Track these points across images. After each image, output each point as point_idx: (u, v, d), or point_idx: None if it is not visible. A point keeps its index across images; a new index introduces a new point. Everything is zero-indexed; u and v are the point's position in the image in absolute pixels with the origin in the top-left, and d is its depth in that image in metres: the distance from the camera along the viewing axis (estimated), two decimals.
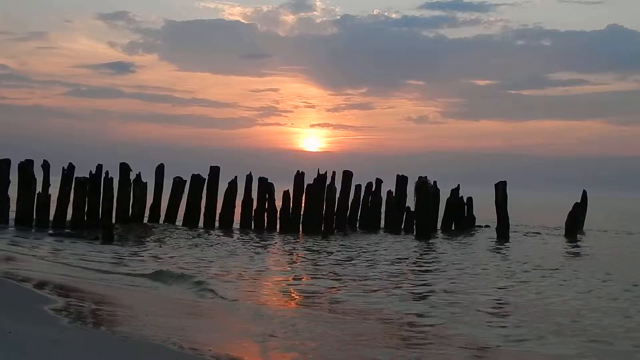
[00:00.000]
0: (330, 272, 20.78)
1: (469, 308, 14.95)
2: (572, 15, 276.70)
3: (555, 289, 18.34)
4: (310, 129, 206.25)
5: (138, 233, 32.17)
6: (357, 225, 39.98)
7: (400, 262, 24.22)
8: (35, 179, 34.04)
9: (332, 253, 26.70)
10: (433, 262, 24.67)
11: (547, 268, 23.11)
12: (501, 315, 14.46)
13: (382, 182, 41.01)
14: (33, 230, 32.24)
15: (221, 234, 33.87)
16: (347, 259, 24.55)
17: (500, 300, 16.52)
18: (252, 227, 37.41)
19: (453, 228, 40.17)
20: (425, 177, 37.14)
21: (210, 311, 14.10)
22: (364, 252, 27.45)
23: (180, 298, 15.66)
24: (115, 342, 9.56)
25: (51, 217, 34.03)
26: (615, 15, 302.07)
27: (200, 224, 36.81)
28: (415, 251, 28.61)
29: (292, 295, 16.93)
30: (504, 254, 28.79)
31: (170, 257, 23.89)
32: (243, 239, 31.52)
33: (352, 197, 40.30)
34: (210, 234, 33.36)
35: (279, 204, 39.01)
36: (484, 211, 41.73)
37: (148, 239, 29.94)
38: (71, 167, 34.75)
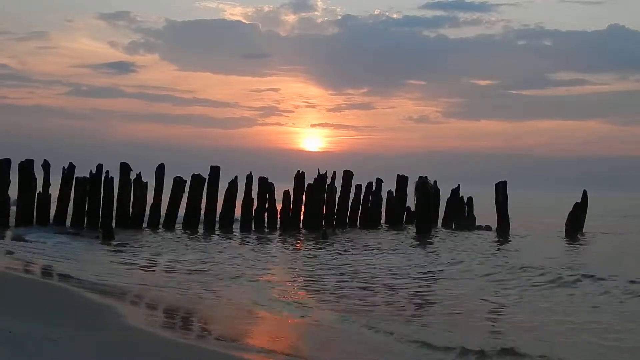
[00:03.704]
0: None
1: None
2: (573, 15, 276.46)
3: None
4: (311, 128, 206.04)
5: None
6: (358, 225, 39.99)
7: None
8: (36, 179, 34.04)
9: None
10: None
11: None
12: None
13: (383, 182, 41.02)
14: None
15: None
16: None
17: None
18: (253, 227, 37.44)
19: (453, 228, 40.12)
20: (426, 177, 37.18)
21: None
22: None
23: None
24: (117, 342, 9.57)
25: (51, 217, 34.04)
26: (617, 15, 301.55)
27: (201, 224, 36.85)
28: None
29: None
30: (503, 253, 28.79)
31: None
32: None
33: (353, 197, 40.33)
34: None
35: (279, 204, 39.08)
36: (484, 211, 41.72)
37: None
38: (71, 167, 34.75)
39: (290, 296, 16.57)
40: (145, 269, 21.12)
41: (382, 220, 41.05)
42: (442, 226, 39.98)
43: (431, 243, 31.86)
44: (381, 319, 13.28)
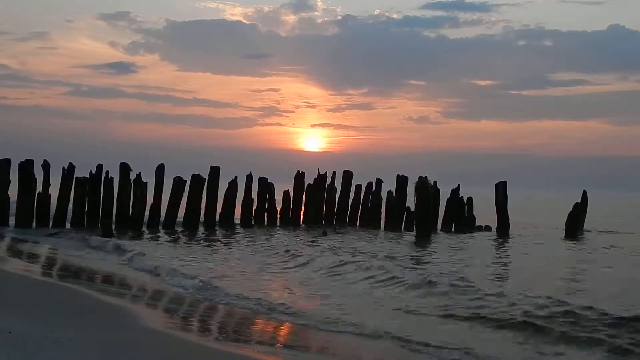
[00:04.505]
0: None
1: None
2: (573, 16, 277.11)
3: None
4: (311, 129, 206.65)
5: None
6: (357, 225, 39.98)
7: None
8: (36, 179, 34.04)
9: None
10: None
11: None
12: None
13: (382, 182, 41.00)
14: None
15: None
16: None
17: None
18: (253, 227, 37.46)
19: (453, 228, 40.06)
20: (425, 177, 37.14)
21: None
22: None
23: None
24: (119, 341, 9.57)
25: (51, 217, 34.05)
26: (617, 16, 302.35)
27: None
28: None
29: None
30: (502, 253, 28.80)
31: None
32: None
33: (352, 197, 40.32)
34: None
35: (279, 204, 39.12)
36: (484, 211, 41.69)
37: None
38: (71, 167, 34.75)
39: None
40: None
41: (382, 221, 41.01)
42: (442, 227, 39.88)
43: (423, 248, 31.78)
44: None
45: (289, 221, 38.83)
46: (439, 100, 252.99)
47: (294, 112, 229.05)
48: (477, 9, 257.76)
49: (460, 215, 40.69)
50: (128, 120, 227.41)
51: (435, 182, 38.56)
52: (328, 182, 39.53)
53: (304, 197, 39.42)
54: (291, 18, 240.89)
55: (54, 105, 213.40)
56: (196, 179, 36.89)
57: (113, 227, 32.40)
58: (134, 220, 34.80)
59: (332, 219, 39.49)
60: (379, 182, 40.92)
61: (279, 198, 39.39)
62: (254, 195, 39.06)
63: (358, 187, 40.46)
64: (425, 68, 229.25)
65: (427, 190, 36.35)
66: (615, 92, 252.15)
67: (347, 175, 39.92)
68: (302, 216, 39.81)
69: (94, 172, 34.78)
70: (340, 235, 34.61)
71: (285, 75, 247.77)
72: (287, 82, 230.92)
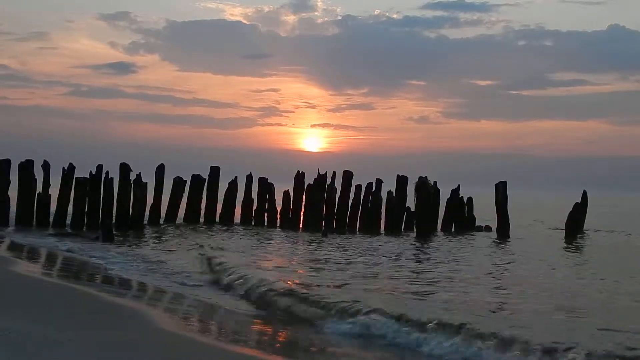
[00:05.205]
0: None
1: None
2: (573, 16, 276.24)
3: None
4: (311, 129, 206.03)
5: None
6: (357, 226, 39.93)
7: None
8: (36, 179, 34.04)
9: None
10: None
11: None
12: None
13: (382, 182, 40.96)
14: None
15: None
16: None
17: None
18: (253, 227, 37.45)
19: (453, 229, 40.03)
20: (426, 177, 37.10)
21: None
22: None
23: None
24: (119, 342, 9.57)
25: (51, 217, 34.04)
26: (617, 16, 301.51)
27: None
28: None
29: None
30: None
31: None
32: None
33: (352, 198, 40.27)
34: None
35: (279, 205, 39.06)
36: (484, 211, 41.67)
37: None
38: (71, 167, 34.73)
39: None
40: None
41: (382, 221, 40.97)
42: (442, 227, 39.83)
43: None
44: None
45: (289, 221, 38.81)
46: (439, 100, 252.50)
47: (294, 112, 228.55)
48: (477, 9, 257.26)
49: (460, 216, 40.67)
50: (128, 120, 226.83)
51: (435, 182, 38.54)
52: (328, 182, 39.50)
53: (304, 198, 39.40)
54: (291, 18, 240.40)
55: (54, 106, 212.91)
56: (196, 179, 36.86)
57: (113, 230, 32.23)
58: (133, 220, 34.79)
59: (332, 219, 39.44)
60: (379, 182, 40.87)
61: (279, 198, 39.39)
62: (254, 195, 39.06)
63: (358, 187, 40.42)
64: (425, 68, 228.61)
65: (427, 190, 36.34)
66: (615, 92, 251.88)
67: (347, 176, 39.87)
68: (302, 216, 39.76)
69: (94, 172, 34.76)
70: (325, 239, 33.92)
71: (285, 75, 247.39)
72: (287, 82, 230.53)
